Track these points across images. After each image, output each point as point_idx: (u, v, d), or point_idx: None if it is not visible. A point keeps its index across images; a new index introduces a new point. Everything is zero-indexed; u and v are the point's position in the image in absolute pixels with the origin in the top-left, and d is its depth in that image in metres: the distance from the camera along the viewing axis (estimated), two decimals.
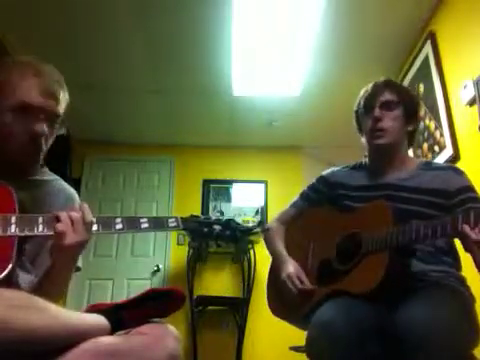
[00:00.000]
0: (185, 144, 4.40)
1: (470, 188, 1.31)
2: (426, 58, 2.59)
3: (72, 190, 1.28)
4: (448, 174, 1.35)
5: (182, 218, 1.18)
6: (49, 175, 1.25)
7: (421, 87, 2.67)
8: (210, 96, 3.54)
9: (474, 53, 2.08)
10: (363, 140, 1.49)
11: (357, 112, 1.51)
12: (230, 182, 4.42)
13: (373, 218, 1.27)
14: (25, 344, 0.79)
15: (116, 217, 1.09)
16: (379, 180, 1.42)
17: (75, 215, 1.01)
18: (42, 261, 1.14)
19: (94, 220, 1.05)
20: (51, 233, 1.00)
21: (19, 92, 1.09)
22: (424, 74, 2.62)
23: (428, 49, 2.56)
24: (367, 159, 1.51)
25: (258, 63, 3.07)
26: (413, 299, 1.11)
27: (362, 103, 1.46)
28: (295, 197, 1.63)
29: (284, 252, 1.50)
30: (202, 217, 1.25)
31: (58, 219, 1.00)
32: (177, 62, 3.10)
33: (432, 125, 2.54)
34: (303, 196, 1.60)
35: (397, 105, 1.41)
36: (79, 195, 1.31)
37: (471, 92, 2.06)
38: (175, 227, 1.16)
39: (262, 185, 4.37)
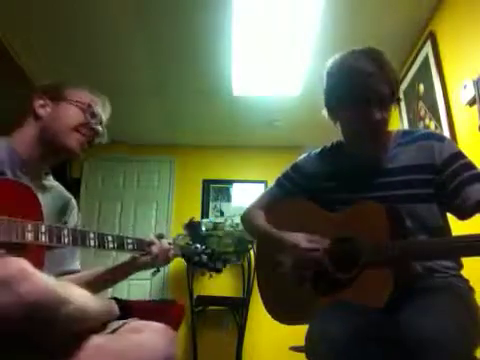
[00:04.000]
0: (185, 144, 4.40)
1: (459, 155, 1.24)
2: (426, 58, 2.59)
3: (72, 198, 1.37)
4: (431, 144, 1.25)
5: (181, 247, 1.41)
6: (53, 181, 1.30)
7: (421, 87, 2.67)
8: (210, 96, 3.54)
9: (474, 53, 2.08)
10: (338, 125, 1.37)
11: (335, 89, 1.33)
12: (230, 182, 4.42)
13: (367, 222, 1.20)
14: (78, 321, 0.84)
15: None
16: (361, 166, 1.32)
17: (166, 244, 1.28)
18: (53, 259, 1.19)
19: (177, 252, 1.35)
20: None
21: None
22: (424, 74, 2.61)
23: (428, 49, 2.56)
24: (343, 139, 1.39)
25: (258, 63, 3.07)
26: (415, 301, 1.09)
27: (351, 90, 1.26)
28: (271, 184, 1.52)
29: (273, 229, 1.35)
30: (193, 246, 1.48)
31: (152, 243, 1.25)
32: (177, 62, 3.09)
33: (432, 125, 2.53)
34: (278, 184, 1.49)
35: (391, 98, 1.26)
36: (79, 195, 1.36)
37: (471, 92, 2.06)
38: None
39: (262, 185, 4.37)
